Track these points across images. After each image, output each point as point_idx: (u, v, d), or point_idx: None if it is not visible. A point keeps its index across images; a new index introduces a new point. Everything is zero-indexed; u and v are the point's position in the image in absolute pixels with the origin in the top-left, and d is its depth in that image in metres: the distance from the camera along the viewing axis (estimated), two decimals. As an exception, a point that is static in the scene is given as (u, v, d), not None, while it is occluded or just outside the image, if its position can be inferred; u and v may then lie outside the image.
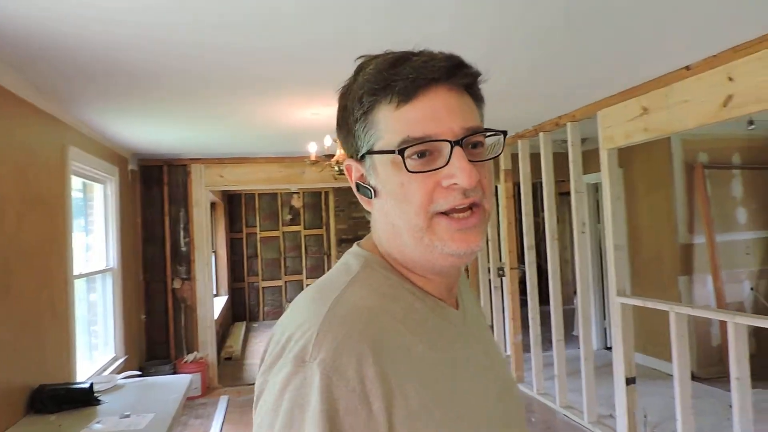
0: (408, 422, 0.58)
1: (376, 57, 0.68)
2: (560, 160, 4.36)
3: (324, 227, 9.67)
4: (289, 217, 9.66)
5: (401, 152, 0.63)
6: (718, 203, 5.26)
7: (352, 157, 0.71)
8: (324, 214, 9.66)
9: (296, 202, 9.66)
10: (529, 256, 4.79)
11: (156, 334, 5.45)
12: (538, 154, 4.42)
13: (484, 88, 0.72)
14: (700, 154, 5.22)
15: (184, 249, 5.54)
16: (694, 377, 5.06)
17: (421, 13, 2.11)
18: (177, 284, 5.50)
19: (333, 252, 9.45)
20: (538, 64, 2.86)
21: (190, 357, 5.36)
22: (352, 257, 0.73)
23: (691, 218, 5.19)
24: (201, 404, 5.05)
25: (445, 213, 0.65)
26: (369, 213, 0.74)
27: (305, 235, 9.67)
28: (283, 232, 9.63)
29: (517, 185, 5.05)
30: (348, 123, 0.69)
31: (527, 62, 2.82)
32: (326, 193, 9.46)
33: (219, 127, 4.10)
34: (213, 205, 8.11)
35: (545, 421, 4.30)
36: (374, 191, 0.69)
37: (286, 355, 0.60)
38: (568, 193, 4.45)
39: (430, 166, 0.64)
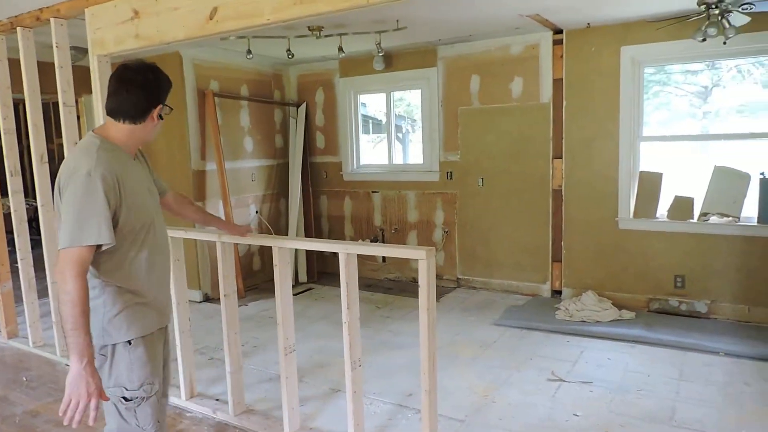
0: (128, 193, 1.75)
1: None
2: (80, 73, 3.56)
3: None
4: None
5: (161, 116, 1.89)
6: (228, 132, 5.50)
7: (155, 104, 1.84)
8: None
9: None
10: (13, 185, 3.89)
11: None
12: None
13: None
14: (212, 81, 5.29)
15: None
16: (209, 299, 5.30)
17: None
18: None
19: None
20: None
21: None
22: (92, 138, 1.80)
23: (203, 145, 5.25)
24: None
25: None
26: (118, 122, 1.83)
27: None
28: None
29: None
30: (159, 92, 1.84)
31: None
32: None
33: None
34: None
35: (43, 376, 3.66)
36: (149, 119, 1.85)
37: (78, 174, 1.66)
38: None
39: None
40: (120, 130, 1.82)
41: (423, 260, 2.17)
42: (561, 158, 4.84)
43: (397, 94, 6.02)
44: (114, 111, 1.81)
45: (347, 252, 2.41)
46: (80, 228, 1.64)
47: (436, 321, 2.29)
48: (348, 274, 2.42)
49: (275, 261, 2.64)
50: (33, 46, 3.57)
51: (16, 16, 3.49)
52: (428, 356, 2.26)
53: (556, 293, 4.99)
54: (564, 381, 3.30)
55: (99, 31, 3.11)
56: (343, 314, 2.47)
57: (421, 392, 2.32)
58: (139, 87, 1.79)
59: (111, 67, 3.25)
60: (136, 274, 1.83)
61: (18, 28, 3.49)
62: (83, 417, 1.63)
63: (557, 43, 4.76)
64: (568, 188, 4.84)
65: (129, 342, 1.82)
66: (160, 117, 1.87)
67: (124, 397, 1.84)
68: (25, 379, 3.65)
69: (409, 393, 3.21)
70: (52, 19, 3.28)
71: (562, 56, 4.75)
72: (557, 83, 4.80)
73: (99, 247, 1.69)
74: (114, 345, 1.81)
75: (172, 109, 1.93)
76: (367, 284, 5.72)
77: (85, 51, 3.24)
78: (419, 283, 2.22)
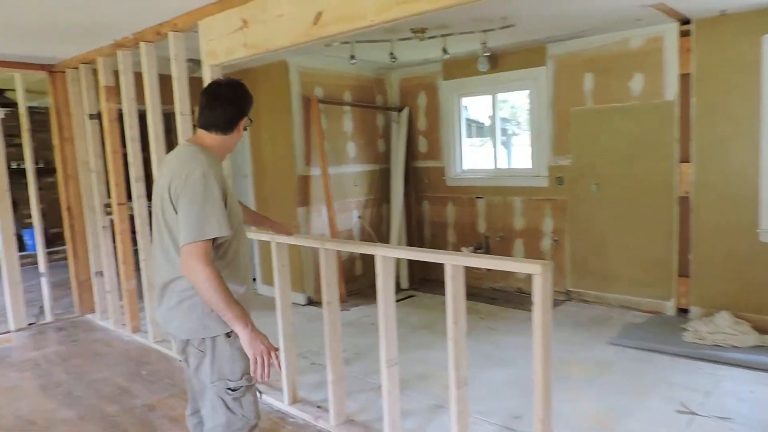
0: (228, 195, 1.90)
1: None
2: (195, 83, 3.74)
3: None
4: None
5: (246, 128, 2.08)
6: (332, 137, 5.55)
7: (241, 117, 2.01)
8: None
9: None
10: (138, 190, 4.15)
11: None
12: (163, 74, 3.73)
13: None
14: (316, 88, 5.37)
15: None
16: (312, 302, 5.38)
17: None
18: None
19: None
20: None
21: None
22: (191, 146, 1.94)
23: (308, 151, 5.34)
24: None
25: None
26: (212, 132, 2.00)
27: None
28: None
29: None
30: (245, 106, 2.02)
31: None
32: None
33: None
34: None
35: (161, 371, 3.87)
36: (236, 130, 2.02)
37: (193, 176, 1.81)
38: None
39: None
40: (213, 140, 1.99)
41: (538, 275, 1.98)
42: (689, 161, 4.36)
43: (500, 96, 5.77)
44: (208, 124, 1.98)
45: (454, 264, 2.26)
46: (203, 223, 1.77)
47: (551, 341, 2.09)
48: (454, 287, 2.29)
49: (378, 270, 2.55)
50: (155, 59, 3.78)
51: (139, 32, 3.71)
52: (543, 381, 2.06)
53: (682, 312, 4.49)
54: (696, 414, 2.92)
55: (211, 42, 3.22)
56: (449, 329, 2.33)
57: (531, 416, 2.12)
58: (230, 102, 1.98)
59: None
60: (232, 268, 1.96)
61: (141, 43, 3.71)
62: (270, 369, 1.84)
63: (684, 34, 4.30)
64: (697, 195, 4.35)
65: (228, 334, 1.89)
66: (245, 128, 2.06)
67: (229, 389, 1.92)
68: (144, 372, 3.87)
69: (517, 415, 2.99)
70: (170, 33, 3.45)
71: (689, 49, 4.28)
72: (684, 78, 4.33)
73: (214, 240, 1.81)
74: (214, 338, 1.90)
75: (252, 121, 2.11)
76: (470, 293, 5.47)
77: (199, 62, 3.40)
78: (533, 299, 2.03)
